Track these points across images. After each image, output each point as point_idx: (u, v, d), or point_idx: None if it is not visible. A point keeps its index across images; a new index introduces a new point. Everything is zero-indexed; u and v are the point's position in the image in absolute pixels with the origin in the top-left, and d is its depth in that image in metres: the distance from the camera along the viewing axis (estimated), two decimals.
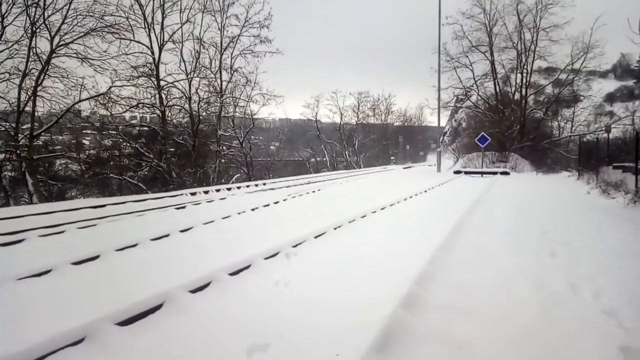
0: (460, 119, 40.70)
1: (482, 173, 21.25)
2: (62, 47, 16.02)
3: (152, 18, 19.67)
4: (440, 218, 7.21)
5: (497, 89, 29.17)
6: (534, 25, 26.63)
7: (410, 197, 10.69)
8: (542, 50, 27.16)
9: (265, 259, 4.57)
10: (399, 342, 2.59)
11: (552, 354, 2.53)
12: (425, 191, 12.39)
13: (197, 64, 22.09)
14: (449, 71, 28.44)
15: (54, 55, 15.80)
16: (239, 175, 25.39)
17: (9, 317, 3.20)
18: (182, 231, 6.44)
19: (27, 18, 14.95)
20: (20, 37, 14.99)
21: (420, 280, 3.66)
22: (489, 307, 3.22)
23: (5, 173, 15.80)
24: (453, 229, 6.16)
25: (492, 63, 28.27)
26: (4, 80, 14.86)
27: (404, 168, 35.30)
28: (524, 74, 28.00)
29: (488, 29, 27.67)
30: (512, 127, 27.63)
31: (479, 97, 30.26)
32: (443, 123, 42.72)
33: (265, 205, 9.53)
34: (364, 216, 7.55)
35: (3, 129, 15.43)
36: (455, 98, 31.67)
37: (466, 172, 21.77)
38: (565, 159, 27.75)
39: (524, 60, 27.67)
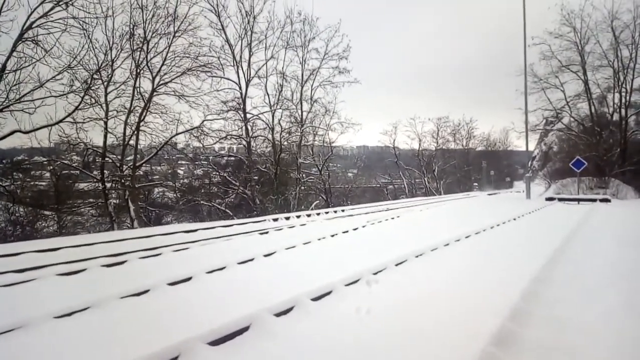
0: (550, 142, 37.92)
1: (578, 200, 19.47)
2: (161, 86, 17.69)
3: (240, 56, 21.19)
4: (533, 248, 6.73)
5: (593, 110, 26.83)
6: (632, 41, 24.27)
7: (498, 225, 10.11)
8: None
9: (346, 285, 4.57)
10: None
11: None
12: (514, 219, 11.64)
13: (280, 96, 23.24)
14: (537, 92, 26.83)
15: (155, 93, 17.47)
16: (318, 201, 25.81)
17: (111, 335, 3.47)
18: (265, 255, 6.67)
19: (133, 62, 16.74)
20: (127, 79, 16.69)
21: (513, 316, 3.42)
22: (591, 346, 2.92)
23: (111, 200, 17.46)
24: (549, 260, 5.71)
25: (586, 83, 26.19)
26: (112, 117, 16.59)
27: (489, 194, 33.48)
28: (623, 94, 25.47)
29: (579, 48, 25.77)
30: (611, 150, 25.18)
31: (572, 119, 28.07)
32: (531, 147, 40.08)
33: (344, 232, 9.57)
34: (447, 244, 7.29)
35: (110, 161, 17.22)
36: (544, 120, 29.78)
37: (560, 199, 20.10)
38: None
39: (622, 78, 25.27)
